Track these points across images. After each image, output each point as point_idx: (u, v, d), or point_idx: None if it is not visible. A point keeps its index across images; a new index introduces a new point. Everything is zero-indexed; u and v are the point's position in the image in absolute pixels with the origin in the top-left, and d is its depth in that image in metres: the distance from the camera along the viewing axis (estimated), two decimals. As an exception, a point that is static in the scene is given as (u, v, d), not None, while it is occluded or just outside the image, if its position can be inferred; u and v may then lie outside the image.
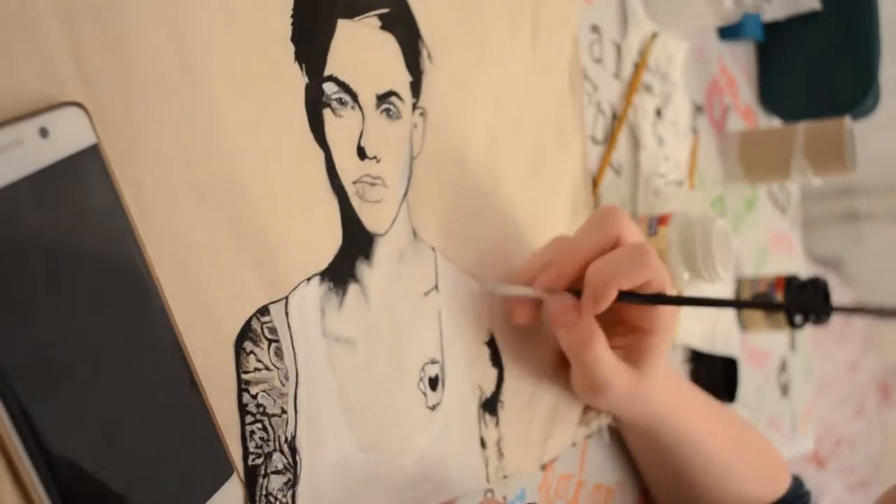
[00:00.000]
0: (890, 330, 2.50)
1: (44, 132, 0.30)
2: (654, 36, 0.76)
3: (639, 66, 0.73)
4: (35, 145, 0.29)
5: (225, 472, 0.35)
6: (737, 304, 0.52)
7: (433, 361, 0.48)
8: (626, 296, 0.48)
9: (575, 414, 0.59)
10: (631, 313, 0.52)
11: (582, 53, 0.66)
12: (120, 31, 0.33)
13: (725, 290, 0.89)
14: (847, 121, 0.86)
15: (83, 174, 0.31)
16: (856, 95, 0.99)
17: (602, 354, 0.50)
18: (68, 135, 0.30)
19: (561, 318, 0.50)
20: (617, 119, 0.71)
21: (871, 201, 2.42)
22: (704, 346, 0.81)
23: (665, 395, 0.56)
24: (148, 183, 0.34)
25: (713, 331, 0.84)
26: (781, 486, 0.66)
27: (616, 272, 0.48)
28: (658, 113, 0.76)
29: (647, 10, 0.75)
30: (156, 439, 0.32)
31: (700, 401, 0.62)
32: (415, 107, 0.48)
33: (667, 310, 0.51)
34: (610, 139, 0.69)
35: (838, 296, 2.28)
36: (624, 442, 0.65)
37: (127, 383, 0.31)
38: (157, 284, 0.33)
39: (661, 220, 0.67)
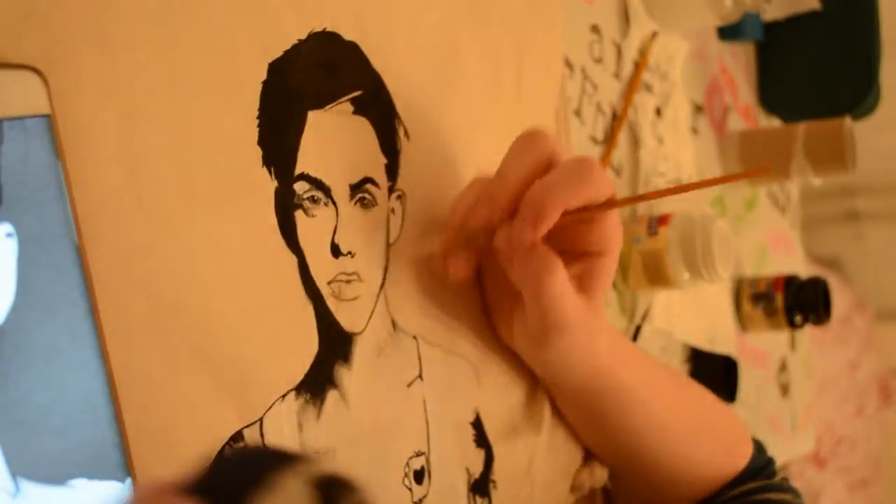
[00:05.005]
0: (890, 330, 2.50)
1: None
2: (654, 35, 0.76)
3: (639, 66, 0.73)
4: None
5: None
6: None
7: (418, 454, 0.45)
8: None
9: (567, 482, 0.56)
10: (578, 238, 0.46)
11: (582, 53, 0.66)
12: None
13: (724, 290, 0.89)
14: (847, 121, 0.86)
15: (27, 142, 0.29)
16: (856, 95, 0.99)
17: (567, 285, 0.44)
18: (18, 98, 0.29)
19: (511, 247, 0.43)
20: (617, 119, 0.71)
21: (871, 201, 2.42)
22: (704, 346, 0.81)
23: (610, 348, 0.50)
24: (107, 320, 0.31)
25: (713, 330, 0.84)
26: (741, 458, 0.59)
27: (558, 190, 0.41)
28: (658, 112, 0.76)
29: (647, 9, 0.75)
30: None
31: (648, 360, 0.57)
32: (391, 190, 0.45)
33: (617, 228, 0.46)
34: (610, 139, 0.69)
35: (838, 296, 2.27)
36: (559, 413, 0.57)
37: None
38: (88, 272, 0.30)
39: (661, 220, 0.67)
